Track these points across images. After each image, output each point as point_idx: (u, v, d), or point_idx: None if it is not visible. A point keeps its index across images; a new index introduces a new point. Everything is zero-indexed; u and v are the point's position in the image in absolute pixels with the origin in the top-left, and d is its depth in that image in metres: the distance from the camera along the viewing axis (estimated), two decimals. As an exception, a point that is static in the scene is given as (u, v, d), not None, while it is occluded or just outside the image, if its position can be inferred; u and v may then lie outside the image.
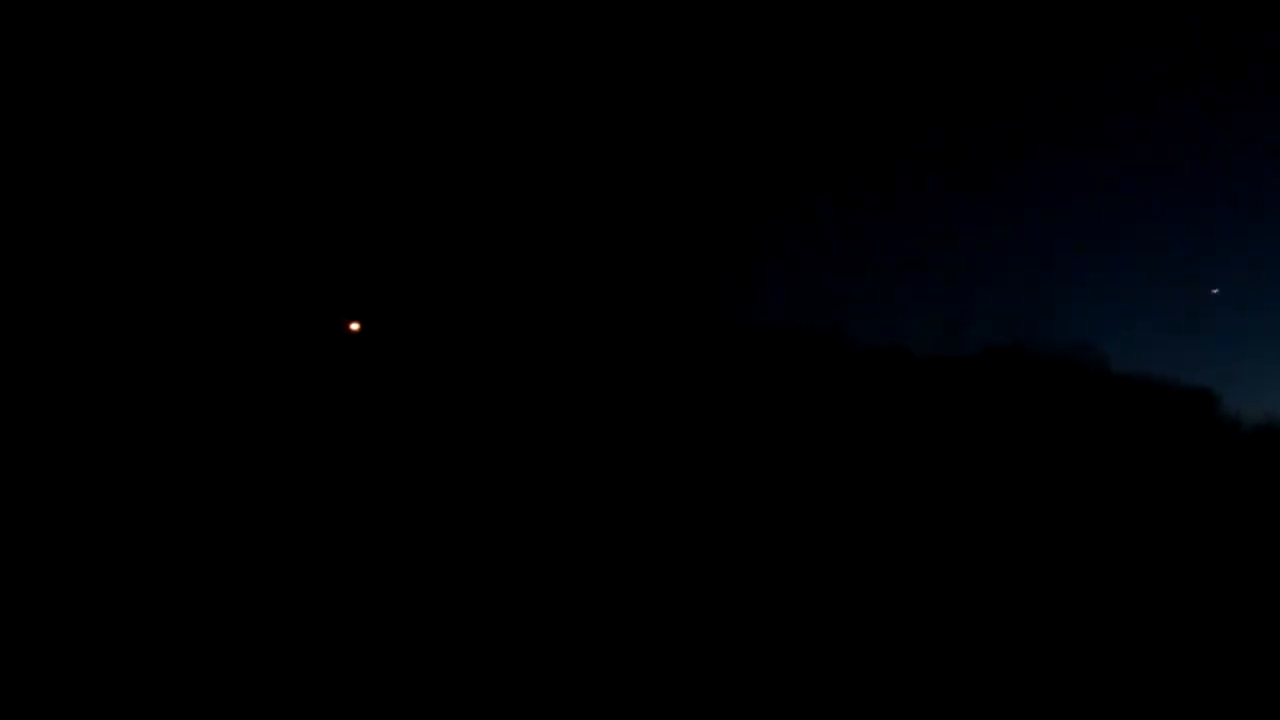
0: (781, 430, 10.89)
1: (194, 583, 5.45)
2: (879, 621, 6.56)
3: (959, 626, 6.80)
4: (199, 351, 7.38)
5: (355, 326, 9.15)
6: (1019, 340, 14.79)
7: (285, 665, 4.84)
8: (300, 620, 5.23)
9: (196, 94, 7.84)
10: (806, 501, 9.82)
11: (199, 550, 5.76)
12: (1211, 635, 7.30)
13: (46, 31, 7.08)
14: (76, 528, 5.69)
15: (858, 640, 6.14)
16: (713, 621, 6.02)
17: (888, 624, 6.56)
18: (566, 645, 5.33)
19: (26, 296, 6.53)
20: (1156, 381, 16.53)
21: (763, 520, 9.26)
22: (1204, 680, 6.07)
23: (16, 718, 4.46)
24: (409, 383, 8.86)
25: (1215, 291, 17.76)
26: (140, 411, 6.63)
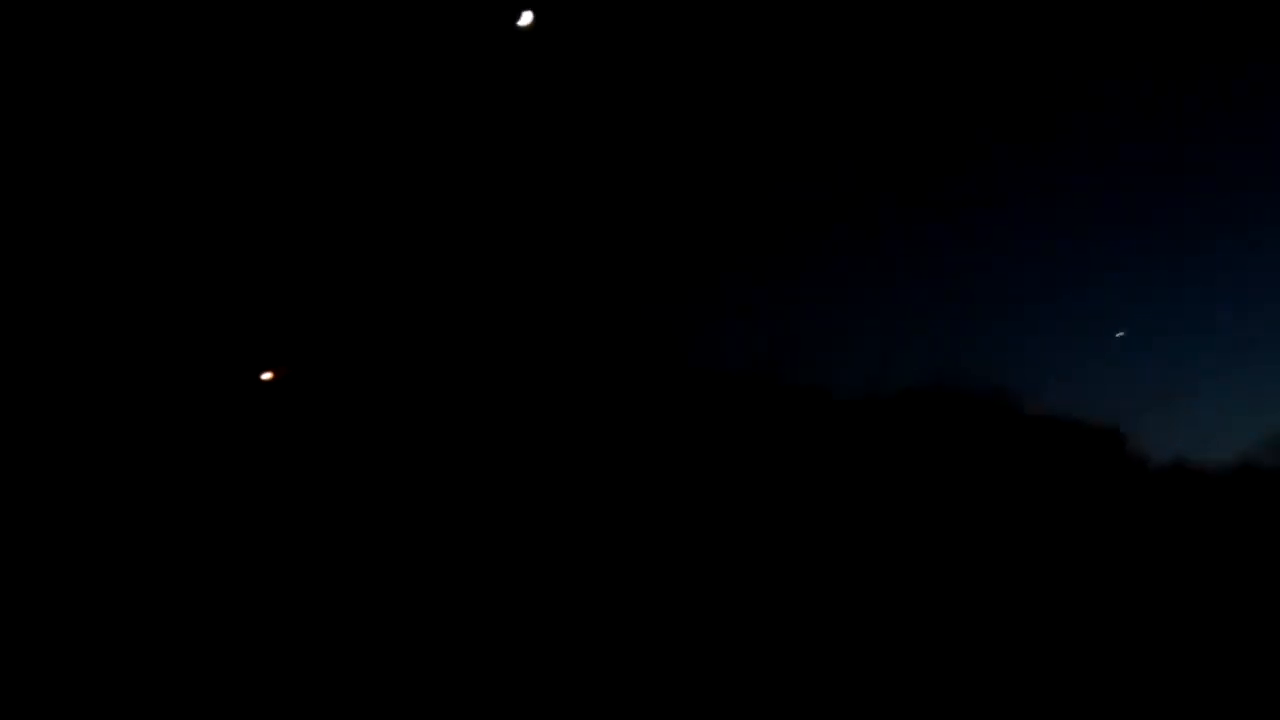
0: (704, 471, 10.99)
1: (196, 583, 5.47)
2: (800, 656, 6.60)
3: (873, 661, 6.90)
4: (198, 351, 7.36)
5: (268, 377, 8.84)
6: (937, 381, 15.17)
7: (286, 665, 4.89)
8: (303, 620, 5.27)
9: (192, 96, 7.87)
10: (729, 537, 9.99)
11: (203, 551, 5.77)
12: (1109, 663, 7.60)
13: (46, 31, 7.07)
14: (78, 528, 5.69)
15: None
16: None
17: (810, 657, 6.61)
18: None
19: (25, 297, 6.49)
20: (1068, 421, 17.31)
21: (686, 559, 9.40)
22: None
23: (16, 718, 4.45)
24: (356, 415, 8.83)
25: (1120, 335, 19.05)
26: (146, 414, 6.63)
